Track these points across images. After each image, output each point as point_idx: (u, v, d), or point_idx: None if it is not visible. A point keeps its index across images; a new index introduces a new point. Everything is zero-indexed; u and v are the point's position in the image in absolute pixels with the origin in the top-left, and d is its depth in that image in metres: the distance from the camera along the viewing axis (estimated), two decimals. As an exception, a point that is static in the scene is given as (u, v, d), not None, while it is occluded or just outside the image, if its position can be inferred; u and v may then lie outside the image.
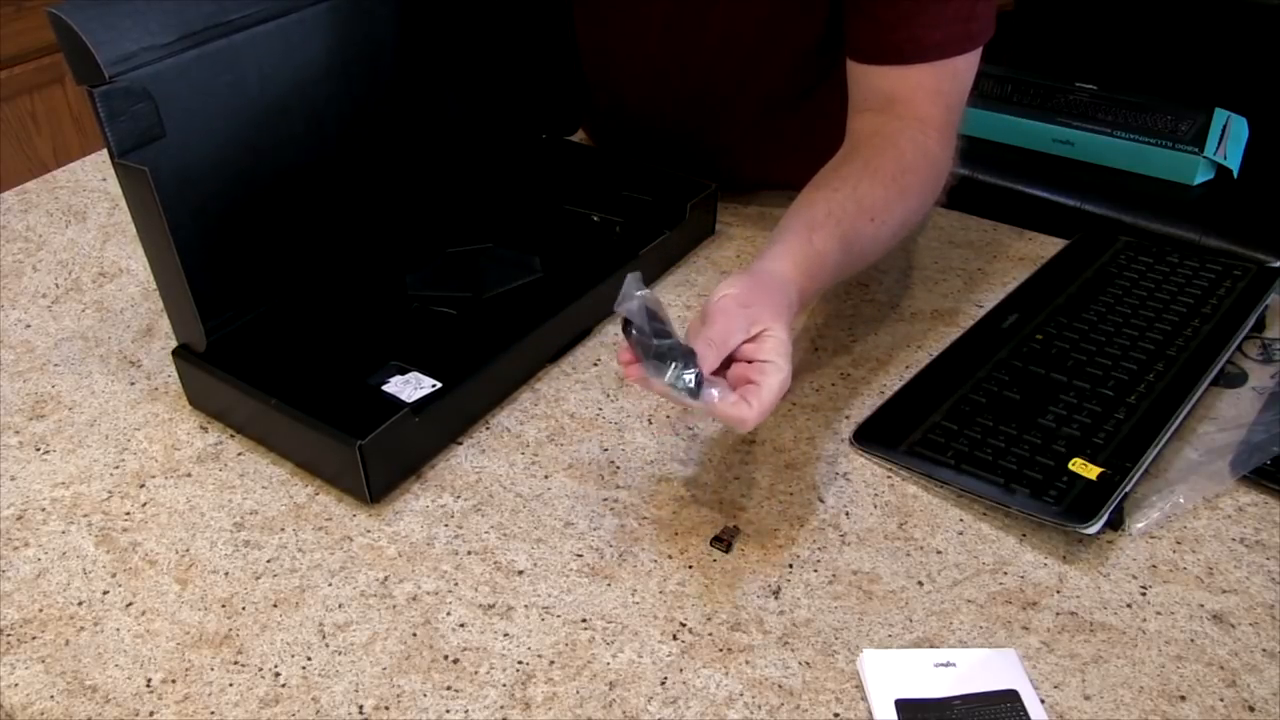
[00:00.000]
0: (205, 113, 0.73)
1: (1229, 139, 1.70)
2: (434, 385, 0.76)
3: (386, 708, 0.59)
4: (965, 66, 0.86)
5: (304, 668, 0.61)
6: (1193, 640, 0.63)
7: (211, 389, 0.78)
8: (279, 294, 0.84)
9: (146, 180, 0.67)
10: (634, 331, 0.64)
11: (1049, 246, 1.01)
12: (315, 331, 0.83)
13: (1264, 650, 0.63)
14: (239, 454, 0.76)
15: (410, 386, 0.76)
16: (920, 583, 0.67)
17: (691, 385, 0.63)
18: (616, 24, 1.00)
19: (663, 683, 0.61)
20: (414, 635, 0.63)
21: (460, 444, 0.77)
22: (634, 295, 0.64)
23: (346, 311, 0.86)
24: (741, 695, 0.60)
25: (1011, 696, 0.59)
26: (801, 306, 0.75)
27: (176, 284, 0.73)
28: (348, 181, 0.87)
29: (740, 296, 0.68)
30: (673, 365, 0.63)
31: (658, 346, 0.63)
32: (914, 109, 0.85)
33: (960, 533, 0.71)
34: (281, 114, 0.79)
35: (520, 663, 0.62)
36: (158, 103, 0.69)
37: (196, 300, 0.73)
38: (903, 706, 0.58)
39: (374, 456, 0.70)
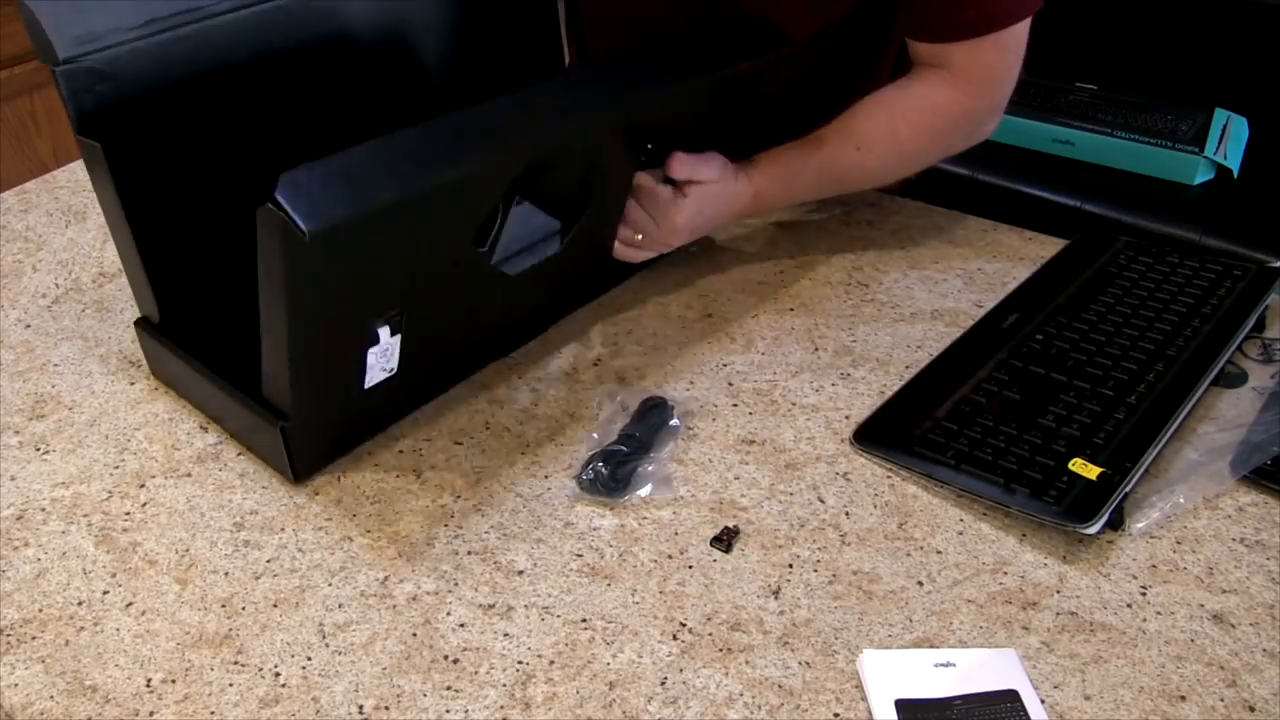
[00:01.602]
0: (171, 97, 0.75)
1: (1229, 139, 1.70)
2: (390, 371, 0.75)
3: (386, 708, 0.59)
4: (1015, 34, 0.89)
5: (304, 668, 0.61)
6: (1193, 640, 0.63)
7: (165, 360, 0.81)
8: (245, 272, 0.84)
9: (99, 155, 0.71)
10: None
11: (1049, 246, 1.01)
12: None
13: (1264, 650, 0.63)
14: (239, 454, 0.76)
15: (384, 360, 0.74)
16: (920, 583, 0.67)
17: None
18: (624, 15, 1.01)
19: (663, 683, 0.61)
20: (414, 635, 0.63)
21: (460, 444, 0.77)
22: None
23: None
24: (741, 695, 0.60)
25: (1011, 696, 0.59)
26: (761, 201, 0.92)
27: (131, 256, 0.76)
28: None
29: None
30: None
31: None
32: (959, 68, 0.90)
33: (960, 533, 0.71)
34: (251, 102, 0.80)
35: (520, 663, 0.62)
36: (122, 84, 0.72)
37: (150, 273, 0.76)
38: (903, 706, 0.58)
39: (298, 438, 0.70)
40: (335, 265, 0.64)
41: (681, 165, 0.84)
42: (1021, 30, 0.89)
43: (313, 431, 0.72)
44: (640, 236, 0.88)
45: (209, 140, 0.79)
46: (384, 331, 0.72)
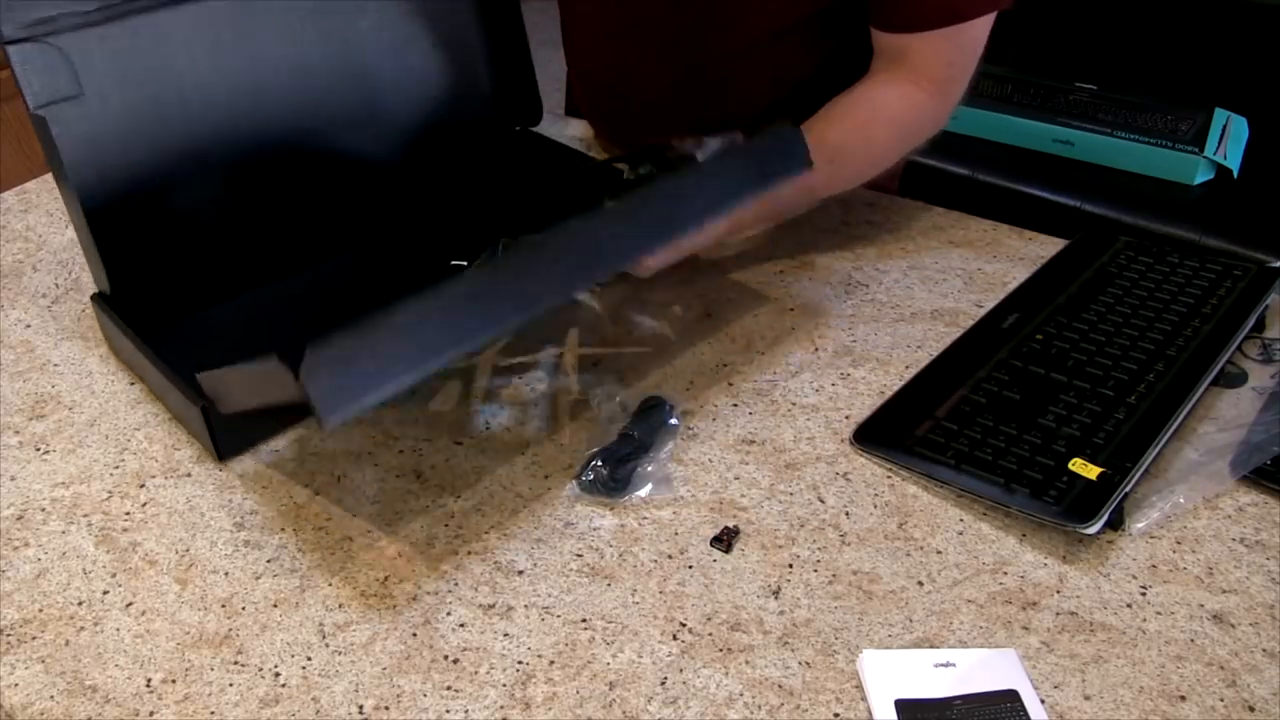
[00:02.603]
0: (127, 80, 0.78)
1: (1229, 139, 1.70)
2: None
3: (386, 708, 0.59)
4: (980, 26, 0.89)
5: (304, 668, 0.61)
6: (1193, 640, 0.63)
7: (115, 336, 0.83)
8: (198, 250, 0.87)
9: (47, 127, 0.75)
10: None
11: (1049, 246, 1.01)
12: (247, 291, 0.87)
13: (1264, 650, 0.63)
14: (239, 454, 0.76)
15: None
16: (920, 583, 0.67)
17: None
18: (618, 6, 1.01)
19: (663, 683, 0.61)
20: (414, 635, 0.63)
21: (460, 444, 0.77)
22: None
23: (283, 277, 0.88)
24: (741, 695, 0.60)
25: (1011, 696, 0.59)
26: (737, 228, 0.92)
27: (83, 229, 0.79)
28: (278, 169, 0.90)
29: None
30: None
31: None
32: (920, 64, 0.91)
33: (960, 533, 0.71)
34: (207, 94, 0.83)
35: (520, 663, 0.62)
36: (76, 65, 0.75)
37: (101, 245, 0.79)
38: (903, 707, 0.58)
39: (220, 418, 0.70)
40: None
41: None
42: (980, 30, 0.89)
43: (235, 415, 0.72)
44: None
45: (165, 130, 0.82)
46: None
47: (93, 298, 0.84)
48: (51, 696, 0.60)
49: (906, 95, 0.92)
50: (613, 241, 0.71)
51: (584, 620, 0.64)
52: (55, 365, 0.85)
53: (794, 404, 0.81)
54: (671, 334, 0.89)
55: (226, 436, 0.74)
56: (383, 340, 0.59)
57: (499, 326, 0.66)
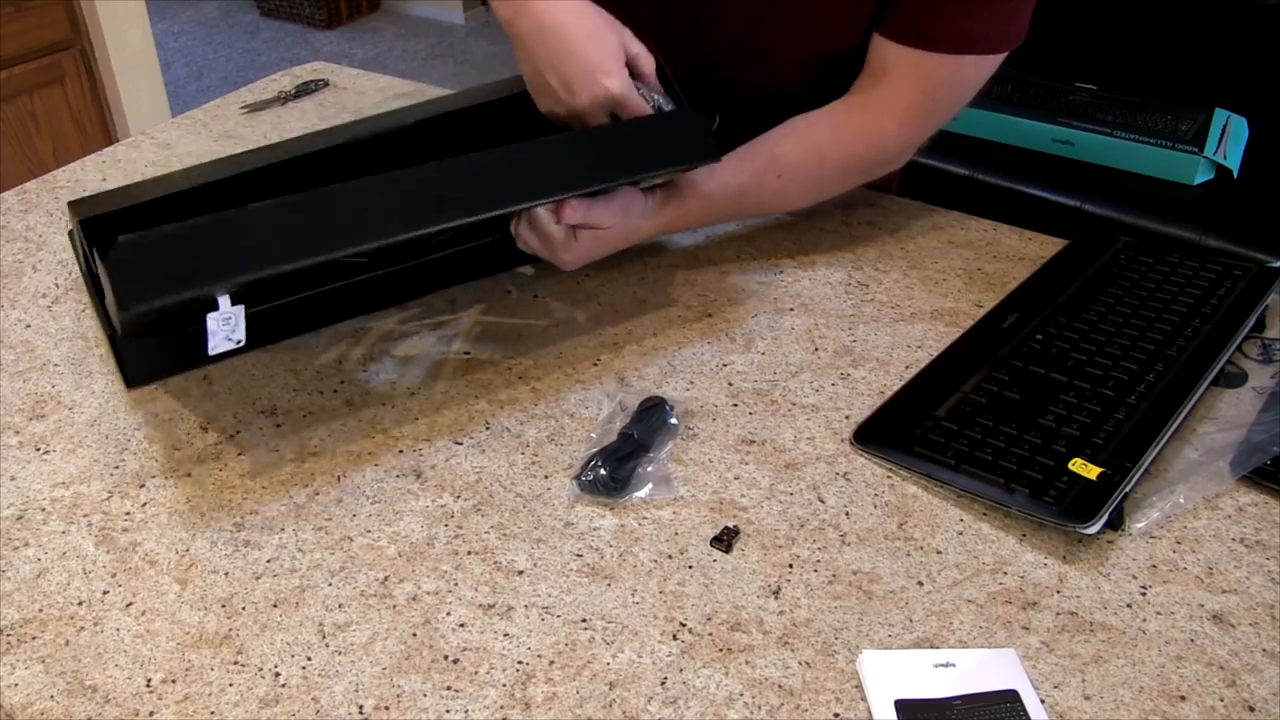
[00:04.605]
0: None
1: (1229, 139, 1.70)
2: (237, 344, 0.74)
3: (386, 708, 0.59)
4: (974, 66, 0.88)
5: (304, 668, 0.61)
6: (1193, 640, 0.63)
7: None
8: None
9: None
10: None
11: (1049, 246, 1.01)
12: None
13: (1264, 650, 0.63)
14: (239, 454, 0.76)
15: (228, 328, 0.73)
16: (920, 583, 0.67)
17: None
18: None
19: (663, 683, 0.61)
20: (414, 635, 0.63)
21: (460, 444, 0.77)
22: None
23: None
24: (741, 695, 0.60)
25: (1011, 696, 0.59)
26: (670, 228, 0.91)
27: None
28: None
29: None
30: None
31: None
32: (900, 90, 0.89)
33: (960, 533, 0.71)
34: None
35: (520, 663, 0.62)
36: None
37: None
38: (903, 707, 0.58)
39: (130, 347, 0.70)
40: (163, 307, 0.65)
41: (574, 212, 0.80)
42: (973, 73, 0.88)
43: (147, 348, 0.73)
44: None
45: None
46: (224, 300, 0.70)
47: (71, 234, 0.83)
48: (51, 696, 0.60)
49: (874, 123, 0.90)
50: (485, 186, 0.72)
51: (584, 620, 0.64)
52: (55, 365, 0.85)
53: (794, 404, 0.81)
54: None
55: (135, 365, 0.73)
56: (202, 241, 0.62)
57: (327, 251, 0.68)
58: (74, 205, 0.82)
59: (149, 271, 0.63)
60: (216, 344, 0.71)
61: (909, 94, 0.89)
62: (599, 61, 0.78)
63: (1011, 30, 0.87)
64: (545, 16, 0.80)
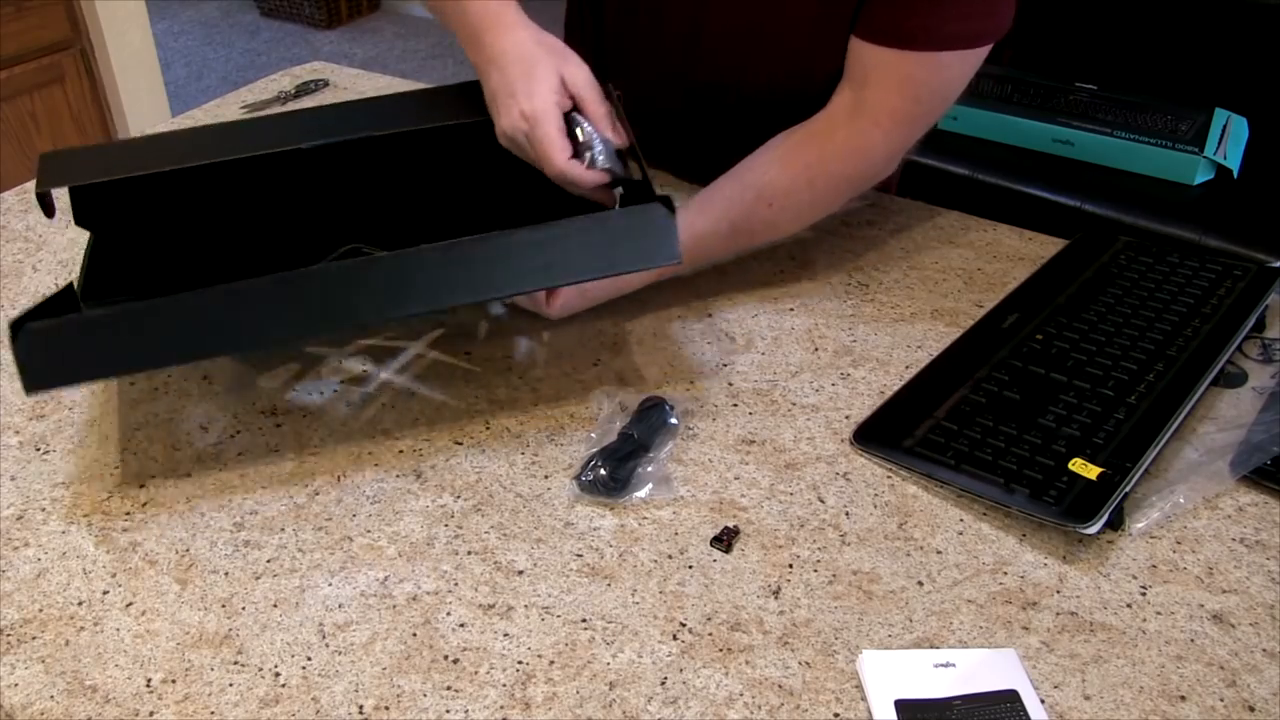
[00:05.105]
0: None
1: (1229, 139, 1.70)
2: None
3: (386, 708, 0.59)
4: (957, 63, 0.87)
5: (304, 668, 0.61)
6: (1193, 640, 0.63)
7: None
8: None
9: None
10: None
11: (1049, 246, 1.01)
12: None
13: (1264, 650, 0.63)
14: (239, 454, 0.76)
15: None
16: (920, 583, 0.67)
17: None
18: (640, 17, 1.00)
19: (663, 683, 0.61)
20: (414, 635, 0.63)
21: (460, 444, 0.77)
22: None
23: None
24: (741, 695, 0.60)
25: (1011, 696, 0.59)
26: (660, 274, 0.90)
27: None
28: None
29: None
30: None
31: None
32: (883, 96, 0.88)
33: (960, 533, 0.71)
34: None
35: (520, 663, 0.62)
36: None
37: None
38: (902, 707, 0.58)
39: (29, 348, 0.69)
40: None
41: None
42: (954, 71, 0.87)
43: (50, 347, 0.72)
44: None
45: None
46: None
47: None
48: (51, 696, 0.60)
49: (860, 136, 0.89)
50: (431, 282, 0.71)
51: (584, 620, 0.64)
52: (55, 365, 0.85)
53: (794, 404, 0.81)
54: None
55: (34, 368, 0.72)
56: (105, 332, 0.68)
57: (234, 348, 0.73)
58: (44, 161, 0.85)
59: (55, 360, 0.68)
60: None
61: (892, 99, 0.88)
62: (519, 83, 0.77)
63: (991, 24, 0.85)
64: (492, 49, 0.80)
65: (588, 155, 0.77)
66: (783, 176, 0.89)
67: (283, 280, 0.70)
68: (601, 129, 0.78)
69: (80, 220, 0.89)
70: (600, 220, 0.74)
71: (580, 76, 0.79)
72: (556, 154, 0.76)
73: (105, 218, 0.89)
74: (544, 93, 0.77)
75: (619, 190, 0.81)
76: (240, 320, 0.70)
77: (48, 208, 0.81)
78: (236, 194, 0.93)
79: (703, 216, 0.89)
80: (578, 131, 0.78)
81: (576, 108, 0.79)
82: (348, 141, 0.86)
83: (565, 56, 0.79)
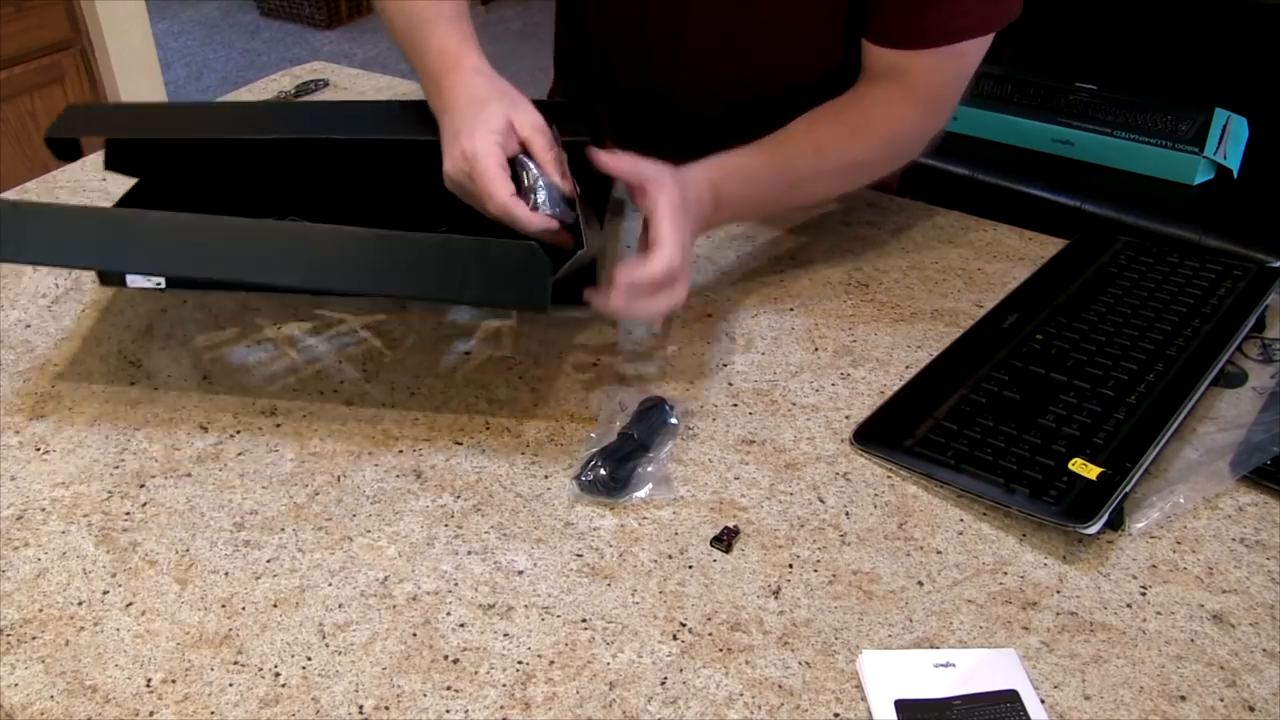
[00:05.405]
0: None
1: (1229, 139, 1.70)
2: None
3: (386, 708, 0.59)
4: (975, 49, 0.88)
5: (304, 668, 0.61)
6: (1193, 640, 0.63)
7: None
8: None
9: None
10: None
11: (1049, 246, 1.01)
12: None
13: (1264, 650, 0.63)
14: (239, 454, 0.76)
15: None
16: (920, 583, 0.67)
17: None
18: (624, 22, 1.00)
19: (663, 683, 0.61)
20: (414, 635, 0.63)
21: (460, 444, 0.77)
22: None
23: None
24: (741, 695, 0.60)
25: (1011, 696, 0.59)
26: (723, 207, 0.85)
27: None
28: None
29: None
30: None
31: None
32: (914, 83, 0.89)
33: (960, 533, 0.71)
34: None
35: (520, 663, 0.62)
36: None
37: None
38: (902, 707, 0.58)
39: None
40: None
41: (626, 276, 0.74)
42: (976, 52, 0.88)
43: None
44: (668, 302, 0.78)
45: None
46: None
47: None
48: (51, 696, 0.60)
49: (895, 108, 0.90)
50: (324, 263, 0.75)
51: (584, 620, 0.64)
52: (55, 365, 0.85)
53: (794, 404, 0.81)
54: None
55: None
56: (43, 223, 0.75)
57: (159, 267, 0.79)
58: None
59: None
60: (134, 280, 0.82)
61: (925, 88, 0.90)
62: (464, 125, 0.76)
63: (999, 9, 0.86)
64: (448, 95, 0.79)
65: (531, 198, 0.74)
66: (827, 129, 0.89)
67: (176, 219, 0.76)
68: (548, 173, 0.76)
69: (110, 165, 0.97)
70: (478, 247, 0.73)
71: (529, 121, 0.77)
72: (497, 189, 0.73)
73: (143, 167, 0.97)
74: (484, 133, 0.75)
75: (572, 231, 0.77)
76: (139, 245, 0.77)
77: (63, 153, 0.90)
78: (227, 172, 0.97)
79: (752, 156, 0.87)
80: (524, 175, 0.75)
81: (526, 152, 0.76)
82: (333, 140, 0.90)
83: (515, 101, 0.78)
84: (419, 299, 0.86)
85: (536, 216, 0.74)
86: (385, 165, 0.95)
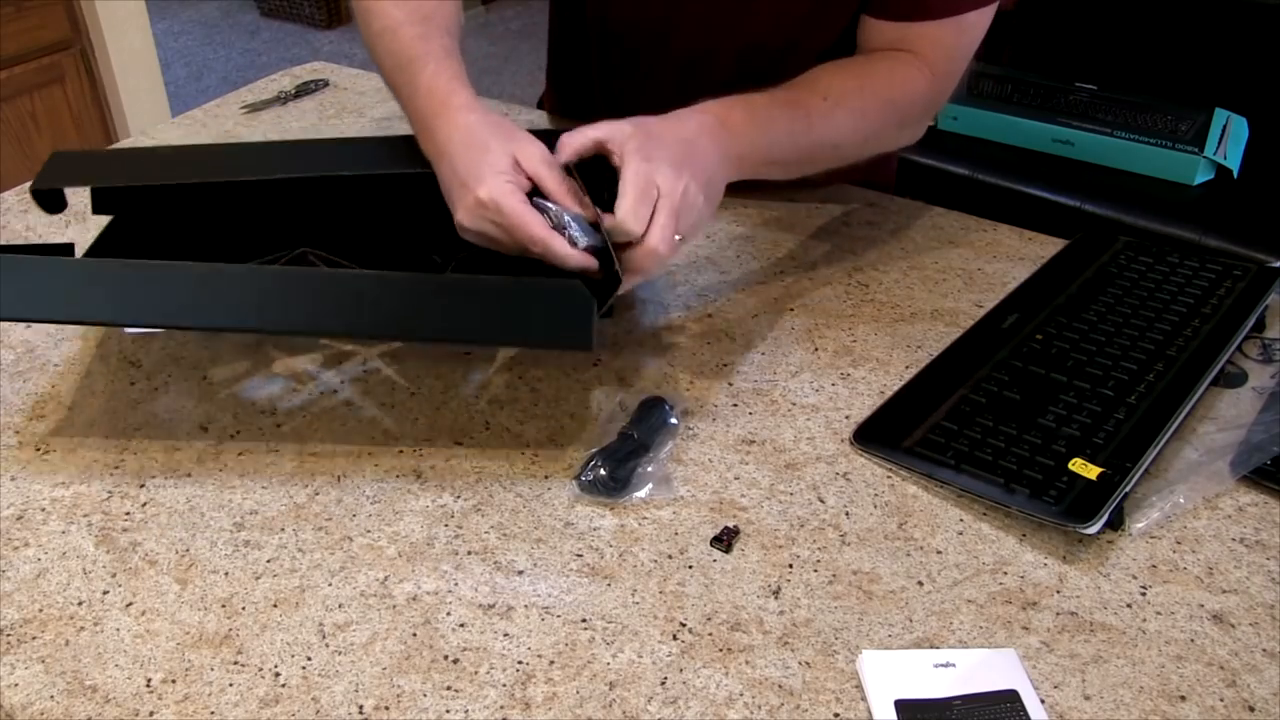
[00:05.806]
0: None
1: (1229, 139, 1.70)
2: None
3: (386, 708, 0.59)
4: (980, 19, 0.89)
5: (304, 668, 0.61)
6: (1193, 640, 0.63)
7: None
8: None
9: None
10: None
11: (1049, 246, 1.01)
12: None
13: (1264, 650, 0.63)
14: (239, 454, 0.76)
15: None
16: (920, 583, 0.67)
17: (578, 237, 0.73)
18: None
19: (663, 683, 0.61)
20: (414, 635, 0.63)
21: (460, 444, 0.77)
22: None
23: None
24: (741, 695, 0.60)
25: (1011, 697, 0.59)
26: (736, 134, 0.81)
27: None
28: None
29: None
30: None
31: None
32: (919, 53, 0.90)
33: (960, 533, 0.71)
34: None
35: (520, 663, 0.62)
36: None
37: None
38: (902, 707, 0.58)
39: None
40: None
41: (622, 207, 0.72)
42: (982, 21, 0.89)
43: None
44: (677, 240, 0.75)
45: None
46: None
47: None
48: (51, 696, 0.60)
49: (904, 70, 0.90)
50: (350, 308, 0.73)
51: (584, 620, 0.64)
52: (55, 365, 0.85)
53: (794, 404, 0.81)
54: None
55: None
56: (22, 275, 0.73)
57: (145, 319, 0.77)
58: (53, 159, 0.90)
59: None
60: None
61: (925, 57, 0.90)
62: (470, 172, 0.73)
63: None
64: (442, 139, 0.77)
65: (565, 236, 0.72)
66: (837, 77, 0.88)
67: (203, 272, 0.74)
68: (568, 205, 0.74)
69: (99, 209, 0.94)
70: (520, 290, 0.72)
71: (534, 154, 0.74)
72: (534, 226, 0.71)
73: (120, 209, 0.94)
74: (493, 175, 0.72)
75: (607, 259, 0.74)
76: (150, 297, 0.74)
77: (48, 204, 0.87)
78: (222, 214, 0.94)
79: (756, 92, 0.84)
80: (547, 216, 0.73)
81: (536, 191, 0.74)
82: (336, 176, 0.88)
83: (513, 136, 0.75)
84: (456, 343, 0.83)
85: (576, 253, 0.72)
86: (376, 200, 0.94)
